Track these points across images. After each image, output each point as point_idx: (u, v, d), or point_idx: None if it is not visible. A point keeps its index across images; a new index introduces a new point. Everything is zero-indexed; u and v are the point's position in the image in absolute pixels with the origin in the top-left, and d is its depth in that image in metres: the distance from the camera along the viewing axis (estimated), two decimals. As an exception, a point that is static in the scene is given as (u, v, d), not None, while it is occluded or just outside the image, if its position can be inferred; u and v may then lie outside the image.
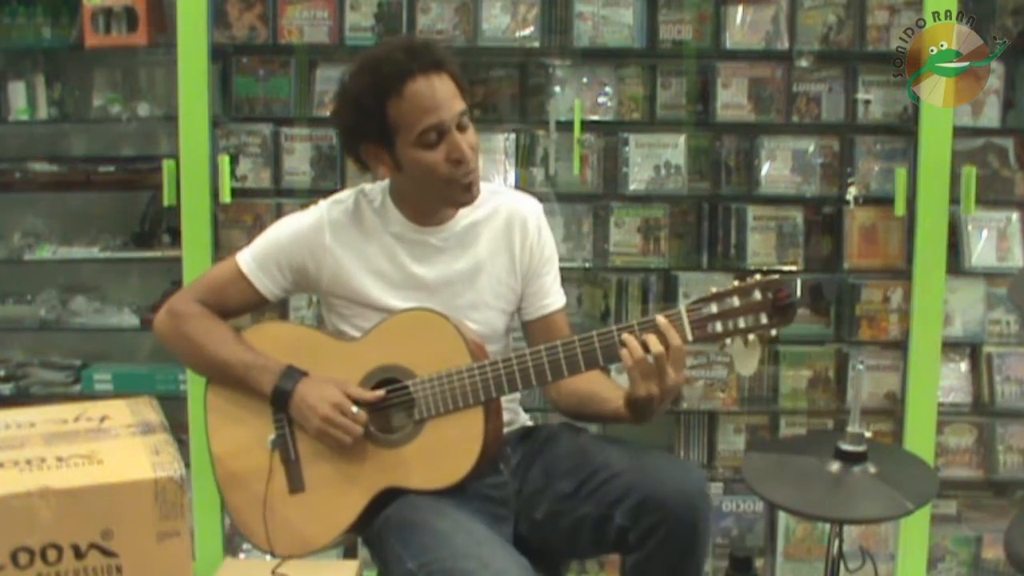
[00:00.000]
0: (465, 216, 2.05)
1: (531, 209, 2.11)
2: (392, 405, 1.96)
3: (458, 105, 1.93)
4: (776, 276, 1.84)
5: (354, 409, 1.92)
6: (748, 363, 1.90)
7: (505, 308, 2.09)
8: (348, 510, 1.97)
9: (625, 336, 1.85)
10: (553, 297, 2.12)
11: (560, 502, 1.96)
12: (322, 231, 2.01)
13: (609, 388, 2.01)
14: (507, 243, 2.07)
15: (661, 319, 1.84)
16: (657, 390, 1.84)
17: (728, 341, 1.85)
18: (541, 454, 2.04)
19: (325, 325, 2.13)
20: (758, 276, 1.85)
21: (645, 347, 1.83)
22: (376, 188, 2.06)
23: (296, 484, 2.00)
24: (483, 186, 2.07)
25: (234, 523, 2.08)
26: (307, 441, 1.99)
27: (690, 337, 1.84)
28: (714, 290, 1.85)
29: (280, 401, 1.97)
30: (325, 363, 1.99)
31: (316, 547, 2.02)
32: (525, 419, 2.17)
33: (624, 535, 1.88)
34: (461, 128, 1.93)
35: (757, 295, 1.83)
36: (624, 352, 1.84)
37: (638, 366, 1.83)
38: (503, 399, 1.97)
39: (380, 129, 1.92)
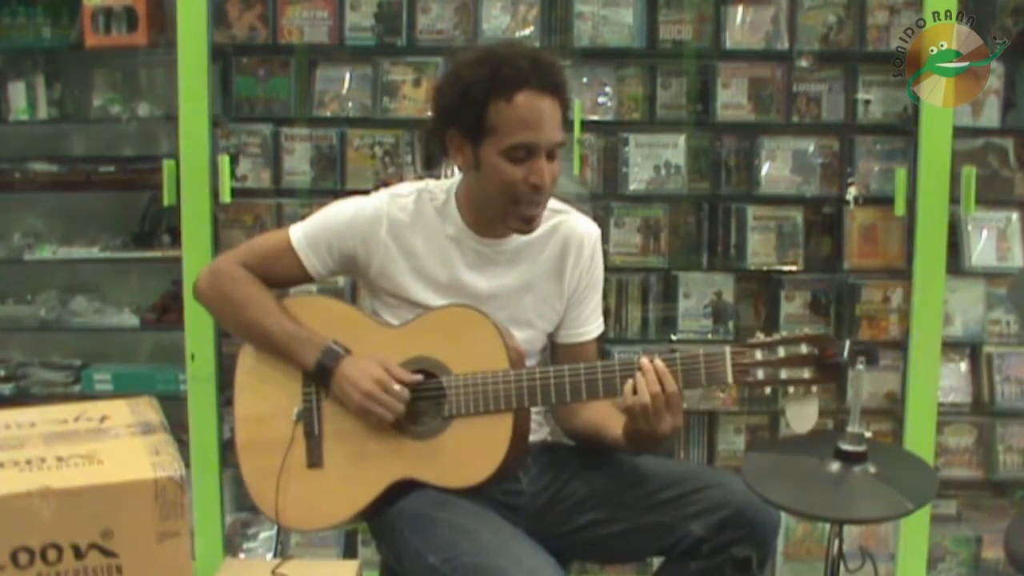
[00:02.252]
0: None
1: (588, 234, 2.08)
2: (422, 397, 1.96)
3: (557, 135, 1.91)
4: (824, 332, 1.84)
5: (396, 387, 1.91)
6: (802, 419, 1.89)
7: (546, 328, 2.08)
8: (363, 493, 1.97)
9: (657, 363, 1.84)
10: (590, 327, 2.11)
11: (617, 510, 1.97)
12: (380, 224, 1.99)
13: (613, 416, 2.01)
14: (560, 265, 2.05)
15: (657, 365, 1.83)
16: (647, 429, 1.86)
17: (767, 391, 1.85)
18: (588, 469, 2.03)
19: (362, 305, 2.13)
20: (807, 330, 1.86)
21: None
22: (441, 187, 2.04)
23: (315, 459, 2.00)
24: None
25: (246, 488, 2.08)
26: (333, 418, 1.99)
27: (730, 381, 1.84)
28: (761, 336, 1.85)
29: (322, 376, 1.97)
30: (363, 344, 1.99)
31: (324, 525, 2.04)
32: (546, 433, 2.16)
33: (698, 545, 1.91)
34: (550, 157, 1.91)
35: (804, 349, 1.83)
36: (627, 389, 1.84)
37: (637, 407, 1.84)
38: (532, 409, 1.97)
39: (475, 123, 1.90)
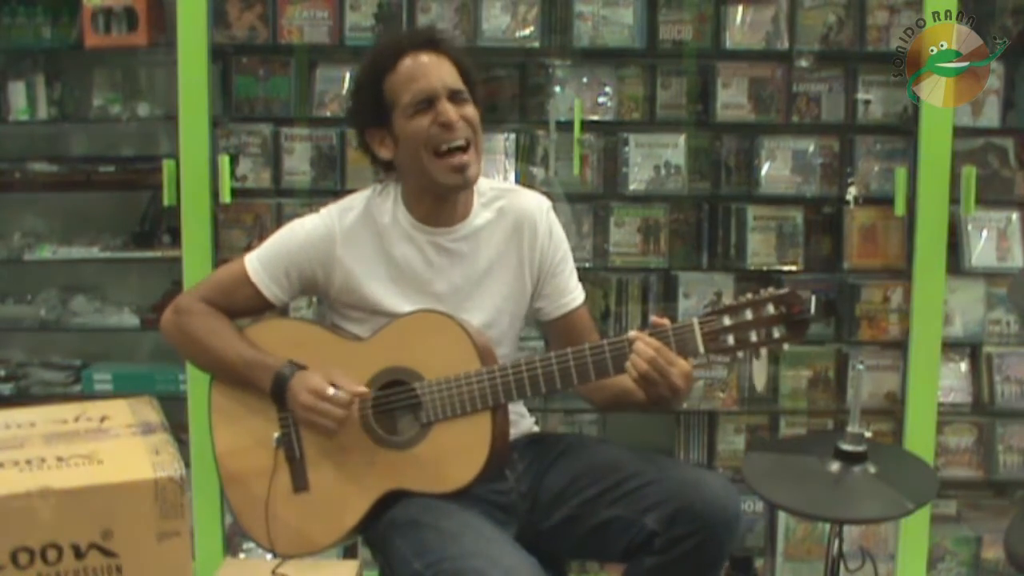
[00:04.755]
0: (475, 217, 2.03)
1: (538, 208, 2.08)
2: (399, 407, 1.95)
3: (451, 79, 1.95)
4: (789, 290, 1.83)
5: (330, 391, 1.89)
6: (765, 375, 1.90)
7: (515, 311, 2.07)
8: (352, 511, 1.97)
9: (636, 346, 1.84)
10: (573, 294, 2.12)
11: (583, 506, 1.95)
12: (333, 242, 1.99)
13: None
14: (516, 245, 2.05)
15: (639, 339, 1.83)
16: (668, 393, 1.86)
17: (740, 355, 1.84)
18: (561, 462, 2.02)
19: (325, 320, 2.12)
20: (772, 289, 1.84)
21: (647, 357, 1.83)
22: (389, 187, 2.04)
23: (300, 483, 2.00)
24: (491, 184, 2.08)
25: (236, 521, 2.08)
26: (312, 440, 1.98)
27: (702, 350, 1.83)
28: (727, 302, 1.84)
29: (278, 396, 1.96)
30: (332, 362, 1.98)
31: (318, 547, 2.02)
32: (530, 423, 2.16)
33: (651, 539, 1.88)
34: (456, 102, 1.94)
35: (771, 309, 1.81)
36: (628, 366, 1.84)
37: (642, 379, 1.84)
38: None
39: (377, 107, 1.95)
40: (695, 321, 1.84)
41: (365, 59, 2.01)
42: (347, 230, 2.00)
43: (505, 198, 2.07)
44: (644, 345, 1.83)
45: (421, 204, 2.00)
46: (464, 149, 1.94)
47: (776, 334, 1.82)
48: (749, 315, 1.82)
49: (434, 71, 1.94)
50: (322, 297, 2.08)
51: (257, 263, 2.02)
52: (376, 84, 1.95)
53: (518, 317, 2.09)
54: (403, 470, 1.94)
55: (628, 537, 1.91)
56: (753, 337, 1.82)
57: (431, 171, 1.94)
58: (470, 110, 1.96)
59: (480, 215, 2.04)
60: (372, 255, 2.00)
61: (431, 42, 1.96)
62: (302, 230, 2.02)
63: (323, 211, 2.04)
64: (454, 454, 1.92)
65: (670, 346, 1.84)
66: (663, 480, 1.90)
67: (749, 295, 1.84)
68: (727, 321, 1.83)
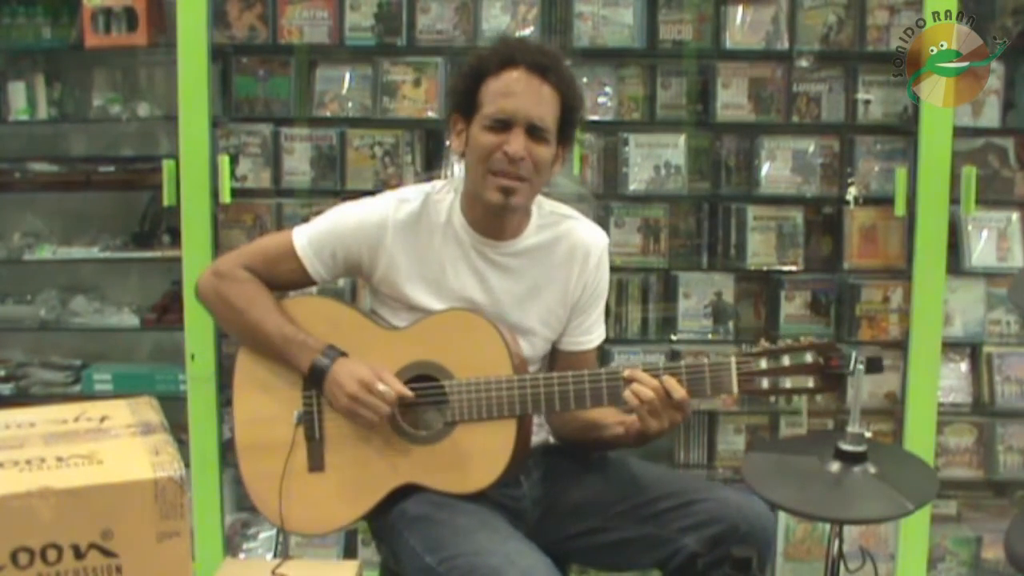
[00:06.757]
0: (529, 236, 2.02)
1: (596, 243, 2.07)
2: (424, 402, 1.95)
3: (538, 112, 1.90)
4: (829, 342, 1.84)
5: (381, 387, 1.90)
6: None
7: (549, 336, 2.07)
8: (364, 499, 1.97)
9: (665, 378, 1.85)
10: (592, 336, 2.10)
11: (610, 519, 1.96)
12: (385, 230, 1.98)
13: (609, 414, 2.00)
14: (565, 273, 2.04)
15: (670, 383, 1.84)
16: (667, 425, 1.88)
17: (772, 399, 1.86)
18: (585, 476, 2.03)
19: (359, 303, 2.12)
20: (812, 338, 1.85)
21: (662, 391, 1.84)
22: (448, 187, 2.04)
23: (316, 463, 2.00)
24: (554, 208, 2.06)
25: (247, 492, 2.08)
26: (334, 422, 1.98)
27: (735, 389, 1.85)
28: (766, 344, 1.85)
29: (315, 378, 1.96)
30: (364, 347, 1.98)
31: (327, 529, 2.04)
32: (548, 434, 2.15)
33: (693, 560, 1.90)
34: (535, 138, 1.90)
35: (809, 358, 1.83)
36: (628, 395, 1.85)
37: (646, 406, 1.85)
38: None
39: (469, 101, 1.93)
40: (733, 361, 1.84)
41: (483, 49, 1.99)
42: (401, 222, 1.99)
43: (566, 224, 2.05)
44: (645, 381, 1.85)
45: (475, 210, 1.99)
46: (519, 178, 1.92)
47: (810, 384, 1.84)
48: (786, 361, 1.83)
49: (527, 97, 1.89)
50: (364, 280, 2.08)
51: (305, 239, 2.02)
52: (476, 79, 1.93)
53: (550, 341, 2.08)
54: (421, 466, 1.94)
55: (660, 554, 1.93)
56: (787, 384, 1.84)
57: (482, 185, 1.93)
58: (543, 151, 1.92)
59: (533, 236, 2.02)
60: (419, 252, 1.99)
61: (543, 68, 1.91)
62: (356, 213, 2.02)
63: (380, 197, 2.04)
64: (474, 457, 1.92)
65: (705, 382, 1.86)
66: (704, 501, 1.91)
67: (788, 341, 1.85)
68: (764, 364, 1.84)
